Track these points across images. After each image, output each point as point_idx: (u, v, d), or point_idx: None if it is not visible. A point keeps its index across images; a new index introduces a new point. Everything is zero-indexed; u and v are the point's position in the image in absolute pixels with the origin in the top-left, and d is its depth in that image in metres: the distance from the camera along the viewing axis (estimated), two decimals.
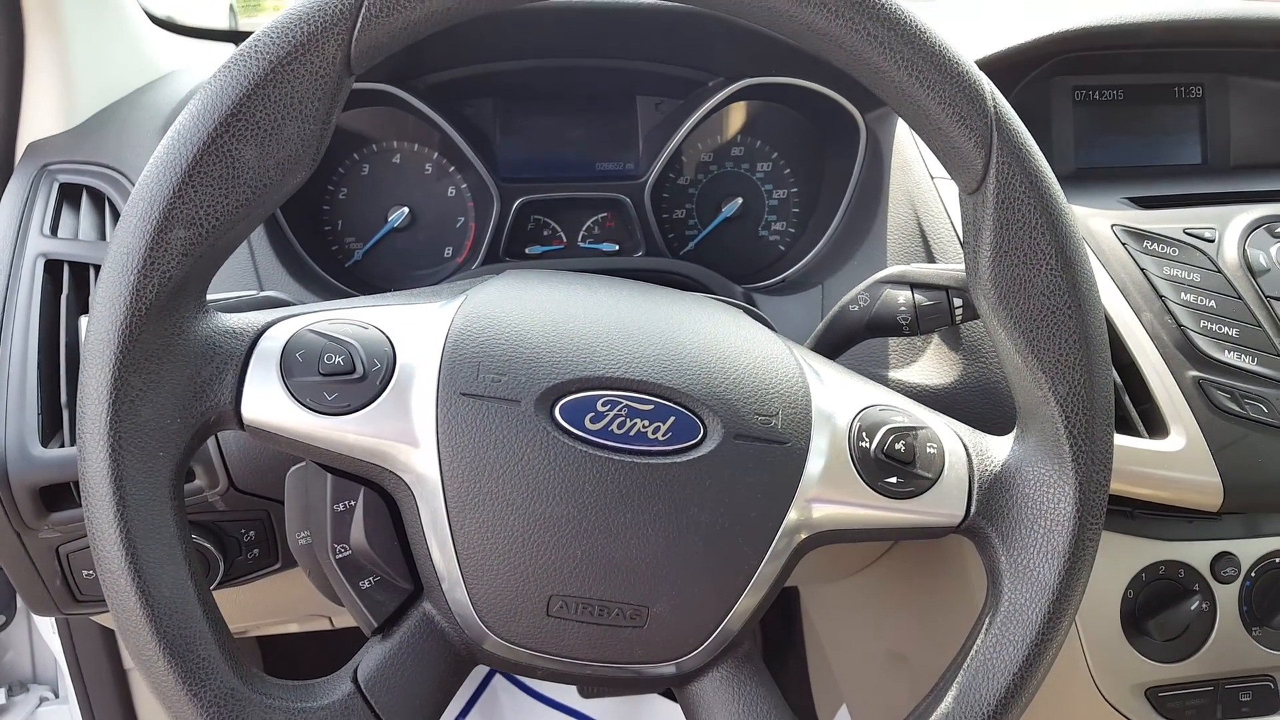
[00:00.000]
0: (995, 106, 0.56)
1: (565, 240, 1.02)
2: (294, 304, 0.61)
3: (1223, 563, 0.85)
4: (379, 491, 0.57)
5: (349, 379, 0.54)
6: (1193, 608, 0.84)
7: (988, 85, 0.56)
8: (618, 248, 1.02)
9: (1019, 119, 0.57)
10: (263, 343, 0.55)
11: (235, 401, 0.53)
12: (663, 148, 0.98)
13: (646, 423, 0.55)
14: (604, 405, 0.55)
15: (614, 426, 0.55)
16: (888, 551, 1.03)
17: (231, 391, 0.53)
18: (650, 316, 0.60)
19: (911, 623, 1.11)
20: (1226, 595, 0.86)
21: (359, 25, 0.50)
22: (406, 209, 0.98)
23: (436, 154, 0.99)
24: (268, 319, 0.56)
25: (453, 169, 0.99)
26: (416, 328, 0.57)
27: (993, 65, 0.89)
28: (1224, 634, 0.85)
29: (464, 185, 0.99)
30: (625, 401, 0.55)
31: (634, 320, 0.59)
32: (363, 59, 0.52)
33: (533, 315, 0.58)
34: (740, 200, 1.04)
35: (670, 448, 0.55)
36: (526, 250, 1.00)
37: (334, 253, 0.98)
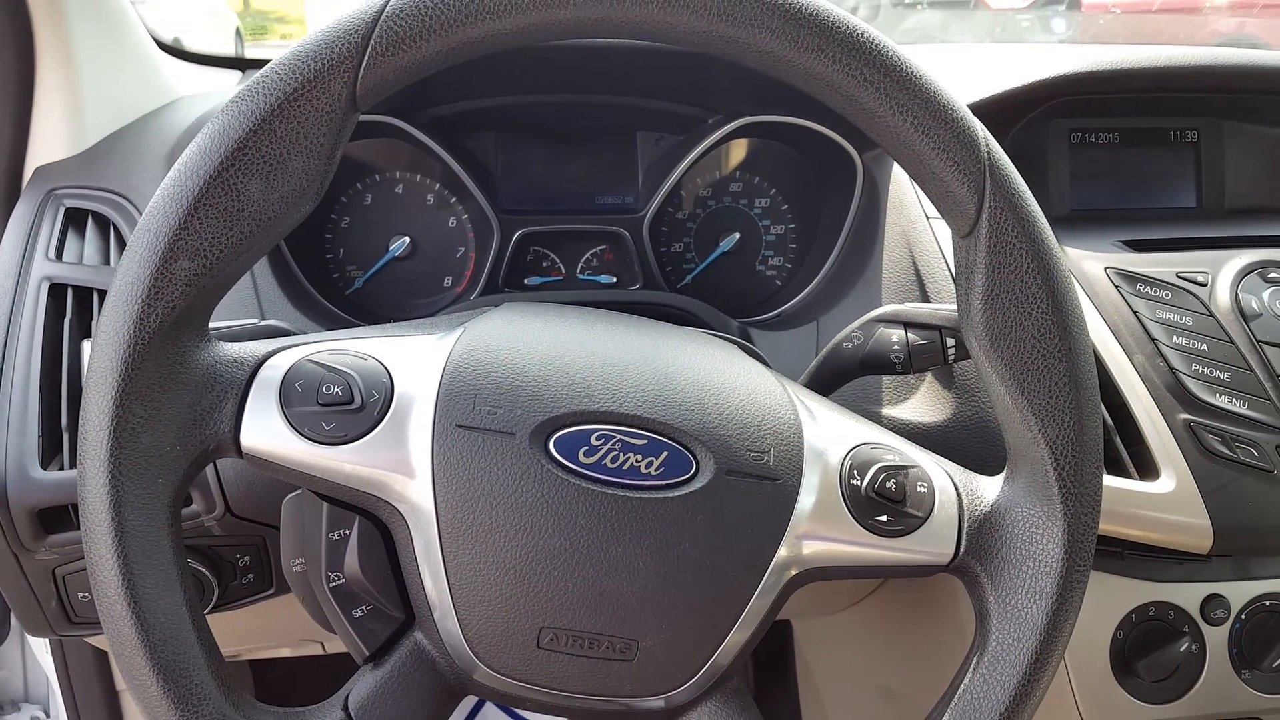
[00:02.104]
0: (989, 152, 0.56)
1: (564, 272, 1.03)
2: (295, 333, 0.62)
3: (1213, 605, 0.85)
4: (374, 521, 0.58)
5: (347, 409, 0.55)
6: (1182, 649, 0.84)
7: (981, 130, 0.57)
8: (616, 280, 1.03)
9: (1012, 164, 0.58)
10: (263, 372, 0.55)
11: (235, 430, 0.54)
12: (662, 182, 1.00)
13: (640, 457, 0.56)
14: (598, 439, 0.56)
15: (607, 461, 0.55)
16: (879, 587, 1.04)
17: (231, 420, 0.54)
18: (645, 351, 0.61)
19: (903, 659, 1.11)
20: (1216, 637, 0.86)
21: (365, 63, 0.51)
22: (408, 238, 0.99)
23: (438, 185, 1.00)
24: (268, 349, 0.57)
25: (454, 200, 1.00)
26: (414, 359, 0.58)
27: (990, 107, 0.90)
28: (1213, 676, 0.85)
29: (465, 216, 1.01)
30: (619, 436, 0.56)
31: (629, 355, 0.60)
32: (368, 96, 0.53)
33: (529, 349, 0.59)
34: (738, 235, 1.05)
35: (663, 482, 0.56)
36: (525, 281, 1.01)
37: (335, 280, 0.99)
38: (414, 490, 0.55)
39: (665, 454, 0.56)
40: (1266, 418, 0.78)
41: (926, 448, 0.82)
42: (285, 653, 1.14)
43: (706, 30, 0.55)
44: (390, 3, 0.52)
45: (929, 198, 0.59)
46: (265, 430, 0.54)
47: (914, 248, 0.88)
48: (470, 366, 0.57)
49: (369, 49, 0.51)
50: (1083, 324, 0.59)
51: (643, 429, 0.57)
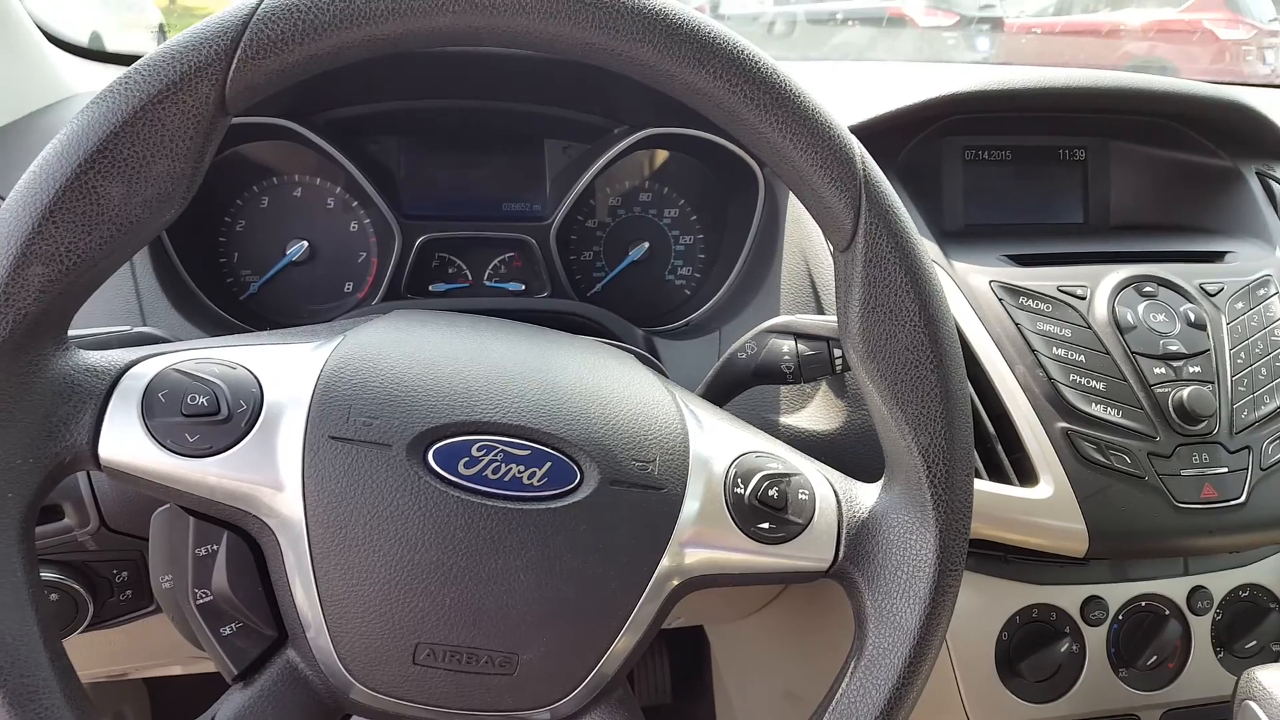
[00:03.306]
0: (864, 169, 0.58)
1: (471, 278, 1.02)
2: (169, 340, 0.61)
3: (1092, 606, 0.88)
4: (243, 536, 0.57)
5: (213, 420, 0.53)
6: (1063, 649, 0.87)
7: (858, 148, 0.58)
8: (524, 287, 1.03)
9: (886, 181, 0.59)
10: (125, 381, 0.54)
11: (92, 441, 0.52)
12: (569, 191, 1.00)
13: (522, 468, 0.55)
14: (479, 450, 0.55)
15: (488, 472, 0.55)
16: (784, 591, 1.05)
17: (89, 431, 0.52)
18: (533, 361, 0.61)
19: (806, 662, 1.13)
20: (1095, 637, 0.89)
21: (234, 66, 0.50)
22: (305, 243, 0.98)
23: (339, 189, 0.99)
24: (132, 357, 0.55)
25: (355, 204, 0.99)
26: (288, 368, 0.56)
27: (885, 125, 0.93)
28: (1093, 675, 0.88)
29: (367, 221, 1.00)
30: (501, 447, 0.56)
31: (516, 364, 0.60)
32: (238, 100, 0.52)
33: (411, 357, 0.58)
34: (647, 245, 1.05)
35: (545, 493, 0.55)
36: (430, 288, 1.01)
37: (229, 285, 0.98)
38: (284, 504, 0.54)
39: (549, 464, 0.56)
40: (1139, 426, 0.81)
41: (820, 454, 0.83)
42: (177, 670, 1.11)
43: (588, 42, 0.55)
44: (263, 5, 0.51)
45: (810, 213, 0.60)
46: (125, 442, 0.52)
47: (810, 261, 0.90)
48: (346, 376, 0.56)
49: (239, 51, 0.50)
50: (953, 337, 0.60)
51: (526, 439, 0.56)
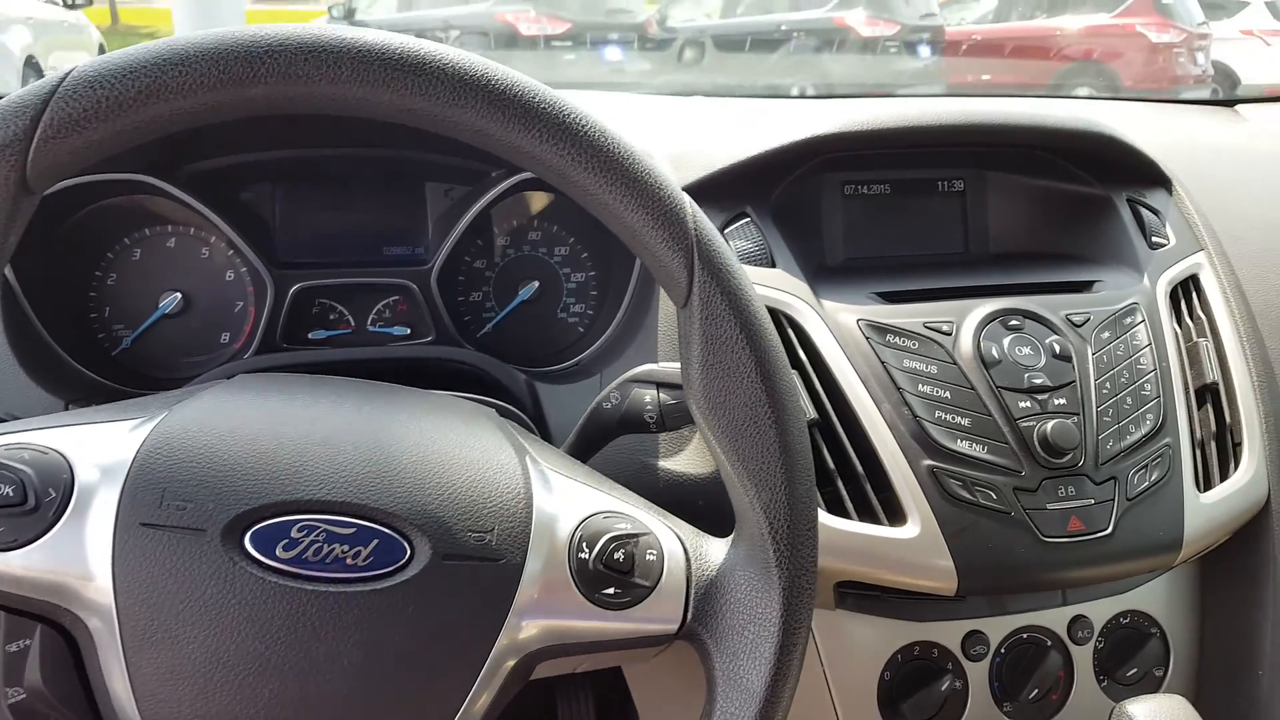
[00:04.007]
0: (696, 227, 0.57)
1: (353, 324, 1.01)
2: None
3: (973, 641, 0.89)
4: (58, 629, 0.55)
5: (18, 511, 0.52)
6: (945, 687, 0.87)
7: (689, 206, 0.58)
8: (409, 331, 1.02)
9: (719, 238, 0.59)
10: None
11: None
12: (449, 233, 0.99)
13: (346, 547, 0.54)
14: (299, 531, 0.53)
15: (309, 554, 0.53)
16: None
17: None
18: (366, 430, 0.59)
19: None
20: (978, 673, 0.89)
21: (35, 145, 0.49)
22: (179, 294, 0.96)
23: (214, 238, 0.97)
24: None
25: (231, 253, 0.98)
26: (102, 450, 0.55)
27: (761, 164, 0.93)
28: (976, 711, 0.89)
29: (243, 270, 0.98)
30: (324, 526, 0.54)
31: (346, 435, 0.58)
32: (42, 179, 0.51)
33: (233, 433, 0.56)
34: (537, 284, 1.05)
35: (371, 574, 0.54)
36: (310, 335, 0.99)
37: (100, 341, 0.96)
38: (95, 595, 0.52)
39: (375, 542, 0.54)
40: (1004, 461, 0.81)
41: (697, 497, 0.82)
42: None
43: (407, 107, 0.55)
44: (64, 83, 0.50)
45: (649, 270, 0.60)
46: None
47: None
48: (162, 456, 0.54)
49: (39, 130, 0.49)
50: (793, 393, 0.60)
51: (351, 516, 0.54)
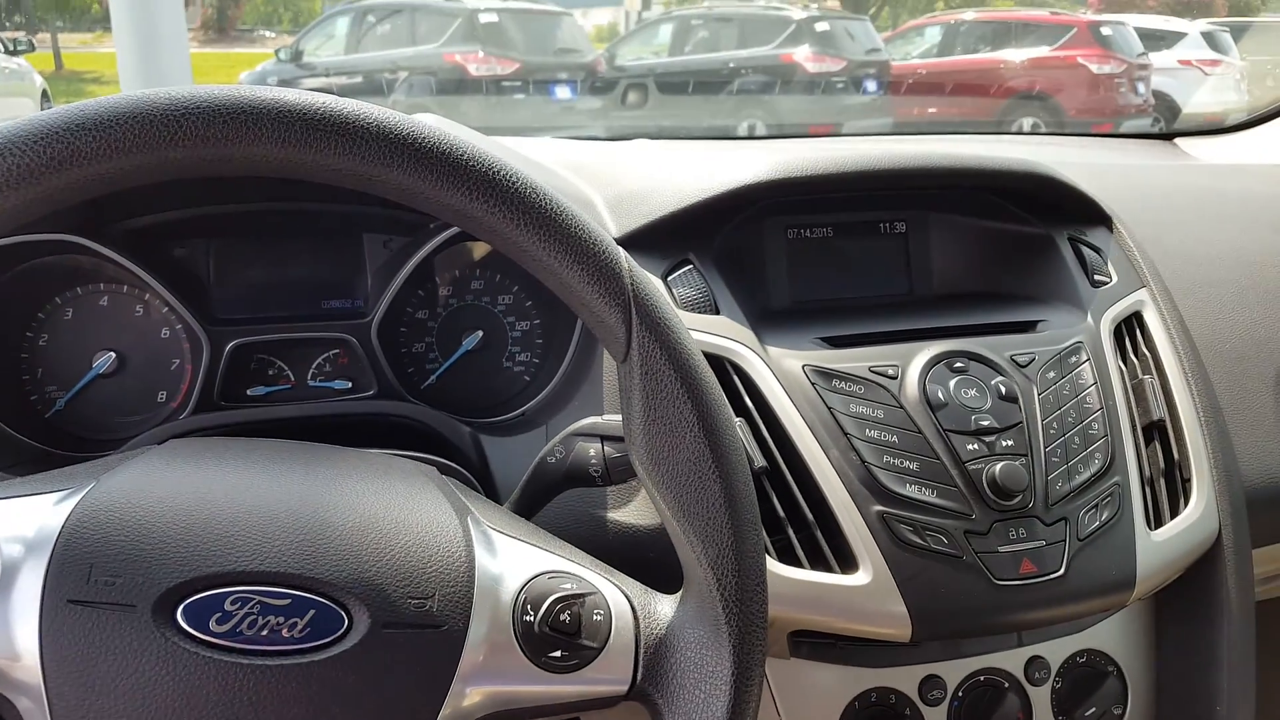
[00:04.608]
0: (632, 282, 0.57)
1: (294, 379, 0.99)
2: None
3: (930, 685, 0.88)
4: None
5: None
6: None
7: (625, 260, 0.58)
8: (350, 384, 1.00)
9: (658, 292, 0.59)
10: None
11: None
12: (388, 285, 0.98)
13: (281, 619, 0.53)
14: (233, 604, 0.52)
15: (243, 627, 0.52)
16: None
17: None
18: (302, 496, 0.58)
19: None
20: (936, 717, 0.88)
21: None
22: (113, 354, 0.93)
23: (147, 295, 0.95)
24: None
25: (166, 310, 0.95)
26: (27, 524, 0.53)
27: (702, 210, 0.92)
28: None
29: (179, 327, 0.96)
30: (258, 598, 0.53)
31: (280, 503, 0.57)
32: None
33: (164, 503, 0.55)
34: (480, 333, 1.03)
35: (308, 645, 0.53)
36: (249, 392, 0.97)
37: (33, 403, 0.93)
38: (23, 675, 0.50)
39: (312, 612, 0.53)
40: (954, 504, 0.80)
41: (647, 548, 0.81)
42: None
43: (334, 167, 0.54)
44: None
45: (588, 326, 0.59)
46: None
47: None
48: (89, 530, 0.52)
49: None
50: (737, 447, 0.59)
51: (286, 586, 0.53)
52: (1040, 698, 0.91)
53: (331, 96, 0.54)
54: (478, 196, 0.54)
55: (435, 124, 0.56)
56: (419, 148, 0.54)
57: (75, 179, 0.50)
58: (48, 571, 0.51)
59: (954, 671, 0.88)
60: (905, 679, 0.88)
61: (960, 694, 0.89)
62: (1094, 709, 0.92)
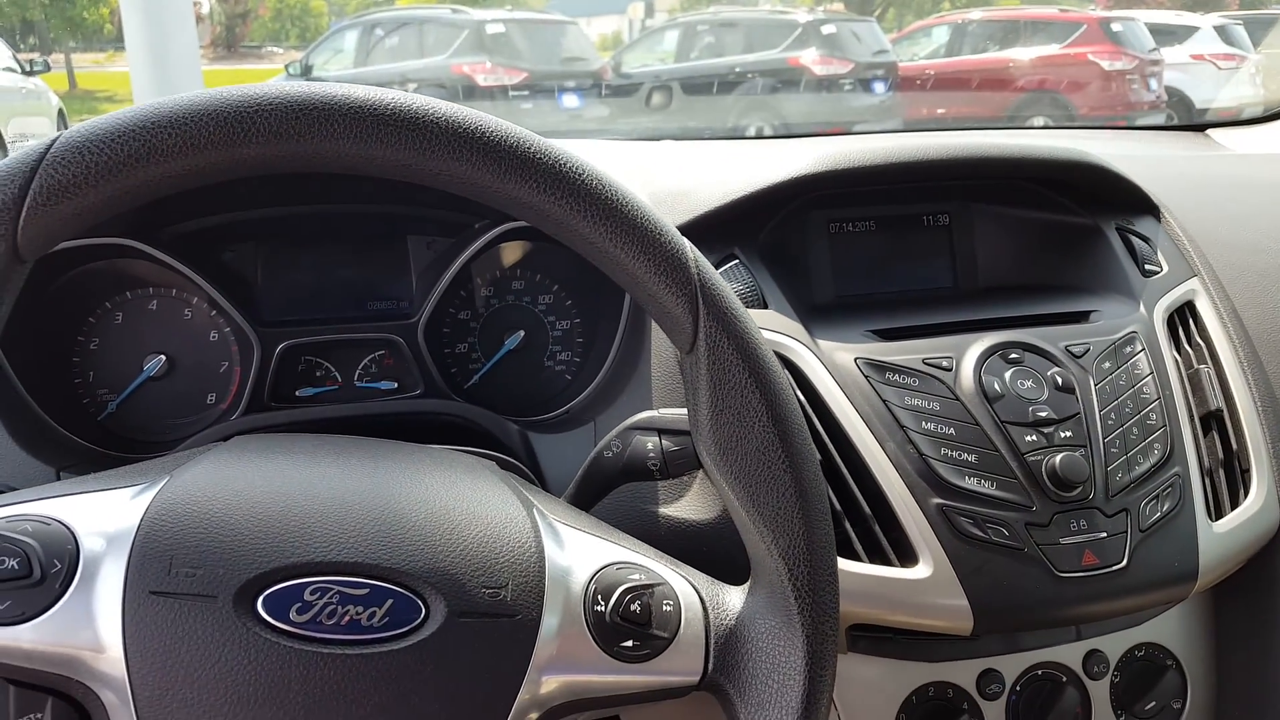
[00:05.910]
0: (699, 273, 0.57)
1: (340, 380, 0.99)
2: None
3: (988, 679, 0.87)
4: (69, 702, 0.53)
5: (24, 584, 0.50)
6: None
7: (690, 251, 0.58)
8: (396, 385, 1.00)
9: (723, 282, 0.59)
10: None
11: None
12: (434, 287, 0.98)
13: (360, 609, 0.53)
14: (312, 594, 0.52)
15: (323, 617, 0.52)
16: None
17: None
18: (373, 489, 0.58)
19: None
20: (994, 712, 0.87)
21: (25, 214, 0.49)
22: (163, 357, 0.94)
23: (196, 299, 0.95)
24: None
25: (214, 313, 0.96)
26: (105, 519, 0.53)
27: (748, 204, 0.92)
28: None
29: (227, 330, 0.96)
30: (337, 588, 0.53)
31: (353, 495, 0.57)
32: (34, 246, 0.50)
33: (240, 496, 0.55)
34: (522, 333, 1.03)
35: (386, 634, 0.53)
36: (298, 393, 0.98)
37: (85, 406, 0.93)
38: (107, 666, 0.50)
39: (390, 602, 0.53)
40: (1014, 497, 0.80)
41: (701, 543, 0.81)
42: None
43: (404, 163, 0.54)
44: (52, 149, 0.50)
45: (653, 318, 0.59)
46: None
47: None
48: (168, 523, 0.53)
49: (29, 199, 0.49)
50: (804, 436, 0.59)
51: (364, 576, 0.53)
52: (1099, 692, 0.90)
53: (400, 92, 0.55)
54: (546, 189, 0.55)
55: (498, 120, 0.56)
56: (489, 141, 0.54)
57: (151, 176, 0.51)
58: (129, 564, 0.51)
59: (1012, 665, 0.88)
60: (963, 673, 0.87)
61: (1018, 688, 0.88)
62: (1154, 703, 0.91)
